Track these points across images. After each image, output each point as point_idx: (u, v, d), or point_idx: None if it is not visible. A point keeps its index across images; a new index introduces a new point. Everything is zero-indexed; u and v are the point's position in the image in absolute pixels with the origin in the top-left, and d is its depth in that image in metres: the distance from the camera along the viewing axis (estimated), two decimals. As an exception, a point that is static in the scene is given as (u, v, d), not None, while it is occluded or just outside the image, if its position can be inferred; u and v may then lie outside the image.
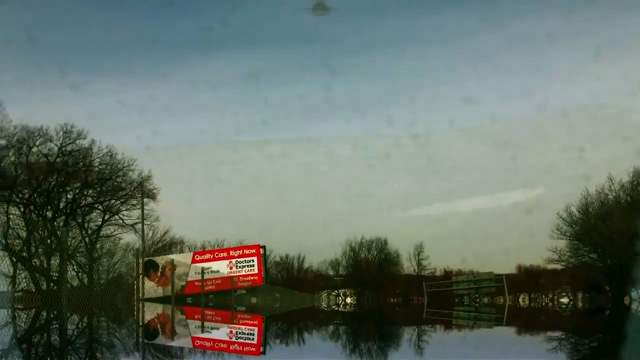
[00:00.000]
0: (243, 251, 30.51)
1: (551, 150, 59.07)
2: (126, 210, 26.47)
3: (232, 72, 66.56)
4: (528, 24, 58.90)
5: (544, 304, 43.04)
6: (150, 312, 17.61)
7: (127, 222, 26.84)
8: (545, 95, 67.34)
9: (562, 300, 75.37)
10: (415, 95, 67.03)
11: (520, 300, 63.22)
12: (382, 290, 49.82)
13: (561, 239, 33.13)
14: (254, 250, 30.31)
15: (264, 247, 30.72)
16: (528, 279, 66.64)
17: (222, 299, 29.65)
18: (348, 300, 47.47)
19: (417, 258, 50.65)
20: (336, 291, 50.69)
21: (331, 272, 49.90)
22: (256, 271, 29.94)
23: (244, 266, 30.04)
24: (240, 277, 29.97)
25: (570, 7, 53.38)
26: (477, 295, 51.68)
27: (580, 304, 34.25)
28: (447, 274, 52.43)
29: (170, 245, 37.70)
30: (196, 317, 16.04)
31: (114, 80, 58.90)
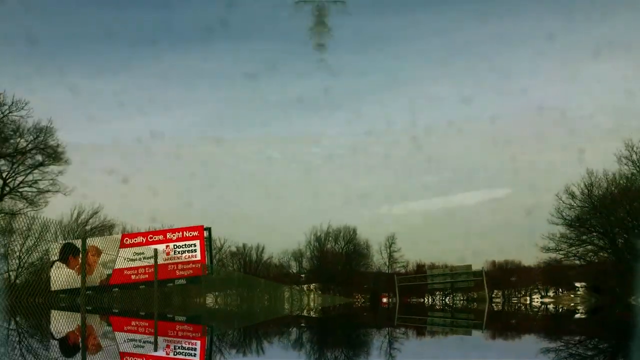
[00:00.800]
0: (183, 233, 25.18)
1: (527, 150, 57.76)
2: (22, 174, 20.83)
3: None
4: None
5: (526, 303, 38.93)
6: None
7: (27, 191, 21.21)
8: (539, 95, 66.46)
9: (534, 297, 72.56)
10: (397, 93, 64.77)
11: (494, 296, 59.70)
12: (349, 286, 45.06)
13: (559, 224, 28.87)
14: (196, 233, 25.04)
15: (208, 229, 25.53)
16: (503, 274, 63.20)
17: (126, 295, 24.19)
18: (313, 297, 42.55)
19: (388, 250, 46.22)
20: (299, 286, 45.63)
21: (294, 265, 44.74)
22: (198, 257, 24.67)
23: (184, 251, 24.76)
24: (180, 265, 24.70)
25: (570, 7, 52.29)
26: (452, 293, 47.58)
27: (560, 306, 30.24)
28: (420, 268, 48.17)
29: (105, 230, 32.19)
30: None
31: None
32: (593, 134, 56.80)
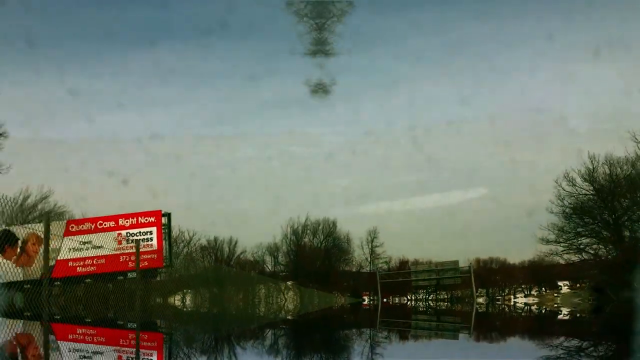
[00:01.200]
0: (138, 219, 21.88)
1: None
2: None
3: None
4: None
5: (510, 305, 36.41)
6: None
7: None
8: (537, 96, 66.22)
9: (518, 296, 70.73)
10: (387, 95, 63.28)
11: (478, 294, 57.34)
12: (328, 284, 42.02)
13: (558, 213, 26.20)
14: (153, 219, 21.77)
15: (167, 215, 22.29)
16: (488, 273, 61.13)
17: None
18: (290, 296, 39.46)
19: (370, 245, 43.26)
20: (277, 284, 42.41)
21: (269, 260, 41.37)
22: (155, 247, 21.43)
23: (139, 239, 21.50)
24: (133, 255, 21.42)
25: (570, 7, 51.31)
26: (436, 291, 44.97)
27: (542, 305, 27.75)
28: (404, 265, 45.42)
29: (55, 218, 28.65)
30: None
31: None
32: (583, 136, 55.54)
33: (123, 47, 63.67)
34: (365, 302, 39.43)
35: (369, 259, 44.84)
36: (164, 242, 21.68)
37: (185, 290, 31.79)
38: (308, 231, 40.59)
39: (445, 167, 64.19)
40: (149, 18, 57.33)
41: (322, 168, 62.66)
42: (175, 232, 39.54)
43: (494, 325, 12.47)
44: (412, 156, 60.58)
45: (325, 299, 38.62)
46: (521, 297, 68.02)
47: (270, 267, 40.96)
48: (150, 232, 21.50)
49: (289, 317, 15.82)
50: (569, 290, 69.48)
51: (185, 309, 22.21)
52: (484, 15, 57.90)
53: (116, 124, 59.08)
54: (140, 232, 21.54)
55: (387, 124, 64.20)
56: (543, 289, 76.38)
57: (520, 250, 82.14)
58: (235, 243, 40.18)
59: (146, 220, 21.79)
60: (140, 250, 21.41)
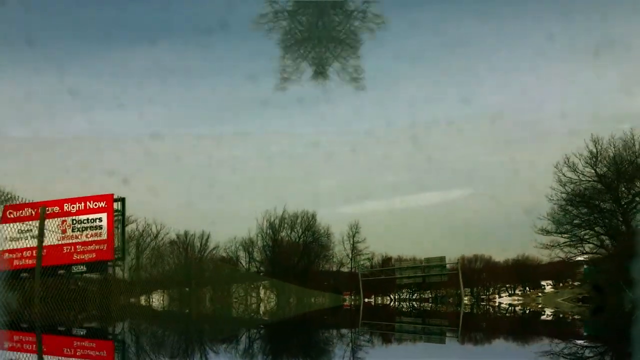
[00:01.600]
0: (85, 204, 18.99)
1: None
2: None
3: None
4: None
5: (494, 305, 34.44)
6: None
7: None
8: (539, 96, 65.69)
9: (502, 295, 69.17)
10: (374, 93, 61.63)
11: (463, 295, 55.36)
12: (306, 283, 39.35)
13: (558, 201, 23.92)
14: (103, 204, 18.90)
15: (121, 201, 19.30)
16: (472, 272, 59.37)
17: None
18: (267, 295, 36.74)
19: (351, 241, 40.61)
20: (254, 284, 39.62)
21: (242, 255, 38.36)
22: (104, 236, 18.55)
23: (86, 228, 18.65)
24: (79, 246, 18.57)
25: (570, 7, 50.33)
26: (421, 290, 42.58)
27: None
28: (387, 262, 42.96)
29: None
30: None
31: None
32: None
33: (123, 46, 62.86)
34: (347, 303, 37.07)
35: (350, 255, 42.07)
36: (115, 231, 18.81)
37: (146, 289, 28.82)
38: (285, 224, 37.72)
39: (435, 167, 63.00)
40: (149, 17, 56.38)
41: (309, 167, 60.84)
42: (141, 224, 36.55)
43: (484, 329, 10.40)
44: (398, 156, 59.37)
45: (303, 299, 36.04)
46: (505, 296, 66.77)
47: (244, 264, 38.08)
48: (100, 219, 18.63)
49: (253, 324, 13.38)
50: (552, 289, 68.80)
51: (147, 311, 19.41)
52: (484, 15, 56.97)
53: (116, 123, 57.51)
54: (88, 219, 18.68)
55: (363, 124, 62.54)
56: (527, 288, 75.58)
57: (505, 248, 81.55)
58: (208, 238, 37.27)
59: (95, 205, 18.92)
60: (88, 240, 18.61)
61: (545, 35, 49.67)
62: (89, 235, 18.38)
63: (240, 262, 38.05)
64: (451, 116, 61.58)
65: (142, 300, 26.71)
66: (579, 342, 7.44)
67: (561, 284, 71.11)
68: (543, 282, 76.35)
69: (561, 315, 15.68)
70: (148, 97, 64.98)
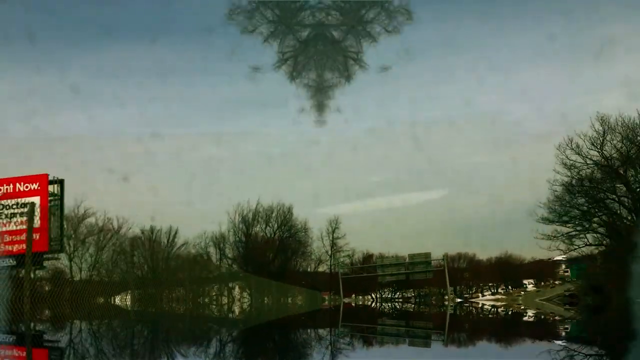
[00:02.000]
0: (15, 186, 16.06)
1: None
2: None
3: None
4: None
5: (478, 307, 32.31)
6: None
7: None
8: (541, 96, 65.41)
9: (485, 294, 67.81)
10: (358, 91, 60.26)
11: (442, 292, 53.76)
12: (284, 280, 36.75)
13: (559, 186, 21.63)
14: (36, 185, 16.02)
15: (59, 183, 16.41)
16: (455, 271, 57.61)
17: None
18: (241, 295, 34.02)
19: (330, 237, 38.05)
20: (230, 284, 36.81)
21: (213, 252, 35.41)
22: (37, 223, 15.64)
23: (15, 214, 15.77)
24: (6, 235, 15.66)
25: (570, 7, 49.38)
26: (403, 288, 40.24)
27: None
28: (368, 259, 40.50)
29: None
30: None
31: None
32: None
33: (124, 44, 61.58)
34: (326, 303, 34.66)
35: (329, 252, 39.38)
36: (51, 217, 15.91)
37: (108, 289, 25.85)
38: (259, 218, 34.99)
39: (434, 167, 62.01)
40: (150, 15, 55.02)
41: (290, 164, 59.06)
42: (101, 218, 33.50)
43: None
44: (373, 158, 57.94)
45: (279, 299, 33.43)
46: (488, 294, 65.78)
47: (215, 261, 35.25)
48: (32, 205, 15.75)
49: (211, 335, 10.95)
50: (534, 288, 68.14)
51: (107, 313, 16.59)
52: (484, 15, 55.92)
53: (116, 121, 55.59)
54: (17, 204, 15.77)
55: (363, 124, 61.33)
56: (509, 287, 74.87)
57: (488, 247, 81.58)
58: (176, 233, 34.36)
59: (26, 187, 16.02)
60: (16, 229, 15.71)
61: (545, 35, 48.37)
62: (17, 223, 15.54)
63: (211, 259, 35.22)
64: (449, 115, 60.71)
65: (100, 299, 23.87)
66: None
67: (542, 283, 71.09)
68: (525, 281, 75.93)
69: (557, 317, 13.79)
70: (148, 96, 63.86)
